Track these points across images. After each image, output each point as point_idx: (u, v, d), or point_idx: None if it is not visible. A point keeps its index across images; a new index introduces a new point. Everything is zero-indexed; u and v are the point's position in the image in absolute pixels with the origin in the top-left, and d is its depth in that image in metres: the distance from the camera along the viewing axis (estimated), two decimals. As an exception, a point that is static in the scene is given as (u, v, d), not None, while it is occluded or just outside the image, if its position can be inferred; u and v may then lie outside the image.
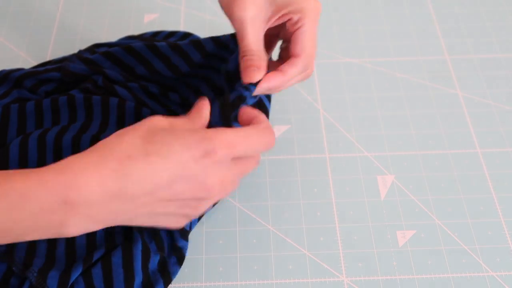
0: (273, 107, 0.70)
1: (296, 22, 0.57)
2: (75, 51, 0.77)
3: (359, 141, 0.68)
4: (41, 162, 0.62)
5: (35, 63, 0.76)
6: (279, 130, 0.69)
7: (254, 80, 0.55)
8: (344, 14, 0.82)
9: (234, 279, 0.57)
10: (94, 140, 0.62)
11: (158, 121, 0.47)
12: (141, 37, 0.72)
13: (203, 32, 0.79)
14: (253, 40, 0.56)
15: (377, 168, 0.65)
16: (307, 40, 0.57)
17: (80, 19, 0.81)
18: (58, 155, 0.62)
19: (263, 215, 0.61)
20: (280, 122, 0.69)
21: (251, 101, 0.56)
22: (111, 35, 0.79)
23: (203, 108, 0.51)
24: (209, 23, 0.81)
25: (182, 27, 0.80)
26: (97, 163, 0.44)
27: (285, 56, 0.59)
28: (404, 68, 0.75)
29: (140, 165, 0.44)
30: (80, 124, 0.63)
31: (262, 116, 0.52)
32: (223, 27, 0.80)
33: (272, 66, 0.58)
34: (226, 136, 0.46)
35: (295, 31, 0.57)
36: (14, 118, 0.64)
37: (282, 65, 0.56)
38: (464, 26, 0.81)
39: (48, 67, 0.68)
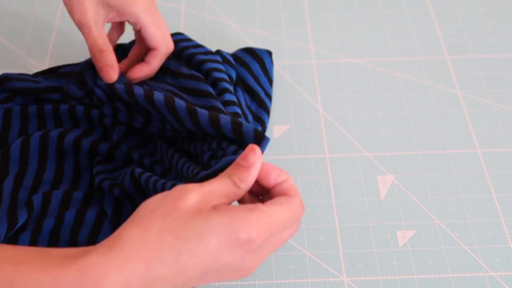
0: (273, 107, 0.71)
1: (135, 25, 0.63)
2: (75, 51, 0.77)
3: (359, 141, 0.68)
4: (42, 161, 0.62)
5: (35, 63, 0.76)
6: (279, 130, 0.69)
7: (114, 80, 0.60)
8: (344, 14, 0.82)
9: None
10: (94, 146, 0.62)
11: (190, 201, 0.43)
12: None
13: (203, 32, 0.79)
14: (97, 36, 0.61)
15: (377, 168, 0.65)
16: (152, 34, 0.63)
17: (80, 19, 0.81)
18: (60, 155, 0.62)
19: (263, 215, 0.61)
20: (280, 122, 0.69)
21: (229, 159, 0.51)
22: (111, 35, 0.79)
23: (253, 165, 0.46)
24: (209, 23, 0.81)
25: (182, 27, 0.80)
26: (122, 266, 0.40)
27: (139, 38, 0.66)
28: (404, 68, 0.75)
29: (170, 267, 0.41)
30: (83, 129, 0.63)
31: (291, 182, 0.48)
32: (223, 27, 0.80)
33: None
34: (263, 221, 0.43)
35: (140, 31, 0.64)
36: (16, 120, 0.64)
37: (147, 56, 0.64)
38: (464, 26, 0.81)
39: (50, 83, 0.67)
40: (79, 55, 0.76)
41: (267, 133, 0.68)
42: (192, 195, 0.43)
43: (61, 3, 0.83)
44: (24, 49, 0.78)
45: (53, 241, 0.57)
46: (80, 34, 0.79)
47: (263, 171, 0.47)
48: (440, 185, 0.64)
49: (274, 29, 0.80)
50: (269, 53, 0.73)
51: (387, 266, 0.58)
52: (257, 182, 0.47)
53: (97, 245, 0.41)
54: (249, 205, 0.44)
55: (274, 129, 0.69)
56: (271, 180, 0.47)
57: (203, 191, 0.44)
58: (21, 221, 0.56)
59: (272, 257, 0.58)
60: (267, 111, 0.68)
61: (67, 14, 0.81)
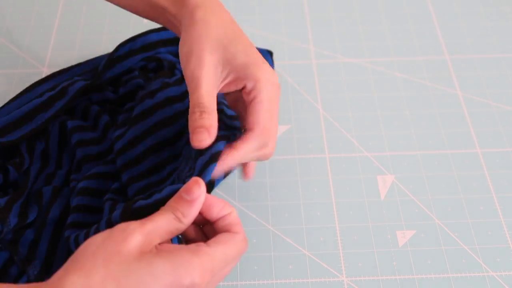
0: (273, 107, 0.71)
1: (251, 91, 0.52)
2: (75, 51, 0.77)
3: (359, 141, 0.68)
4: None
5: (35, 63, 0.76)
6: (279, 130, 0.69)
7: (203, 146, 0.49)
8: (344, 14, 0.82)
9: (234, 279, 0.57)
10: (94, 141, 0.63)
11: (132, 243, 0.42)
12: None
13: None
14: (205, 94, 0.50)
15: (377, 168, 0.65)
16: (262, 112, 0.51)
17: (80, 19, 0.81)
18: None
19: (263, 215, 0.61)
20: (280, 122, 0.69)
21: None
22: (111, 35, 0.79)
23: (196, 200, 0.45)
24: (209, 23, 0.81)
25: (182, 27, 0.80)
26: None
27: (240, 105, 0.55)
28: (404, 68, 0.75)
29: None
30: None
31: (234, 215, 0.47)
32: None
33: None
34: (207, 265, 0.43)
35: (250, 101, 0.52)
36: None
37: (236, 141, 0.51)
38: (464, 26, 0.81)
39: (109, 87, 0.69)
40: (79, 55, 0.76)
41: (267, 133, 0.68)
42: (135, 236, 0.42)
43: (61, 3, 0.83)
44: (24, 49, 0.78)
45: (54, 239, 0.57)
46: (80, 34, 0.79)
47: (206, 204, 0.46)
48: (440, 185, 0.64)
49: (274, 29, 0.80)
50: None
51: (387, 266, 0.58)
52: (200, 214, 0.46)
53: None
54: (192, 247, 0.43)
55: (274, 129, 0.69)
56: (214, 213, 0.47)
57: (146, 231, 0.43)
58: (31, 218, 0.58)
59: (272, 257, 0.58)
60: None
61: (67, 14, 0.81)
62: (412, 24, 0.81)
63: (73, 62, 0.74)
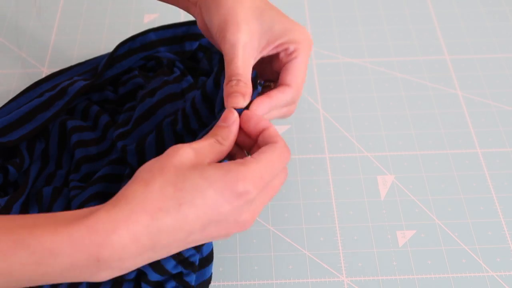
0: (273, 107, 0.71)
1: (292, 53, 0.55)
2: (75, 51, 0.77)
3: (359, 141, 0.68)
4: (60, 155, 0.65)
5: (35, 63, 0.76)
6: (279, 130, 0.69)
7: (240, 105, 0.51)
8: (344, 14, 0.82)
9: (234, 279, 0.57)
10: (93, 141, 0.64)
11: (184, 156, 0.45)
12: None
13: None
14: (242, 65, 0.52)
15: (377, 168, 0.65)
16: (299, 71, 0.55)
17: (80, 19, 0.81)
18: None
19: (263, 215, 0.61)
20: (280, 122, 0.69)
21: None
22: (111, 35, 0.79)
23: (233, 124, 0.49)
24: (209, 23, 0.81)
25: (182, 27, 0.80)
26: (128, 220, 0.42)
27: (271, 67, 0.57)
28: (404, 68, 0.75)
29: (173, 217, 0.43)
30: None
31: (272, 129, 0.50)
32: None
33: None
34: (255, 172, 0.45)
35: (289, 61, 0.55)
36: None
37: (271, 91, 0.54)
38: (464, 26, 0.81)
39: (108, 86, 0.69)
40: (79, 55, 0.76)
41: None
42: (186, 151, 0.45)
43: (61, 3, 0.83)
44: (24, 49, 0.78)
45: None
46: (80, 34, 0.79)
47: (242, 119, 0.50)
48: (440, 185, 0.64)
49: (274, 29, 0.80)
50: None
51: (387, 266, 0.58)
52: (242, 132, 0.50)
53: (103, 204, 0.43)
54: (239, 160, 0.46)
55: (274, 129, 0.69)
56: (251, 127, 0.50)
57: (194, 148, 0.46)
58: None
59: (272, 257, 0.58)
60: None
61: (67, 14, 0.81)
62: (412, 24, 0.81)
63: (73, 62, 0.74)
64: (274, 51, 0.55)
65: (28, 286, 0.43)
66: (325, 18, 0.82)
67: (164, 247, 0.44)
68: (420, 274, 0.57)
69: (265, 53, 0.55)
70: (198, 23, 0.58)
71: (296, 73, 0.55)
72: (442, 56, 0.77)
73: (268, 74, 0.58)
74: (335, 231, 0.60)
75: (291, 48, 0.55)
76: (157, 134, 0.61)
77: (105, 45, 0.78)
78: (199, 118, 0.60)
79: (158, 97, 0.64)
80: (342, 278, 0.57)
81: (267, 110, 0.53)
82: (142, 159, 0.61)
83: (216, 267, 0.58)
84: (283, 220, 0.61)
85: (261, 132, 0.50)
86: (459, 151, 0.67)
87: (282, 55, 0.55)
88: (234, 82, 0.52)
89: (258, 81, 0.56)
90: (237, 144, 0.51)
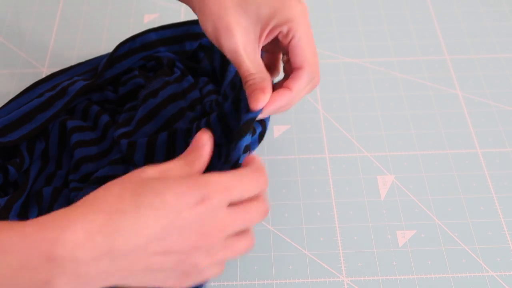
0: (273, 107, 0.70)
1: (287, 34, 0.53)
2: (75, 51, 0.77)
3: (359, 141, 0.68)
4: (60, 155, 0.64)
5: (35, 63, 0.76)
6: (279, 130, 0.69)
7: (262, 104, 0.52)
8: (344, 14, 0.82)
9: (234, 279, 0.57)
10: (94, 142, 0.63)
11: (147, 172, 0.44)
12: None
13: (203, 32, 0.79)
14: (250, 64, 0.52)
15: (377, 168, 0.65)
16: (304, 49, 0.53)
17: (80, 19, 0.81)
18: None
19: (263, 215, 0.61)
20: (280, 122, 0.69)
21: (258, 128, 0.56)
22: (111, 35, 0.79)
23: (203, 146, 0.47)
24: (209, 23, 0.81)
25: (182, 27, 0.80)
26: (84, 218, 0.40)
27: (289, 69, 0.56)
28: (404, 68, 0.75)
29: (130, 218, 0.41)
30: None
31: (252, 155, 0.48)
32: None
33: (279, 86, 0.54)
34: (220, 180, 0.43)
35: (289, 42, 0.53)
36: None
37: (287, 81, 0.53)
38: (464, 26, 0.81)
39: (108, 86, 0.69)
40: (79, 55, 0.76)
41: (267, 133, 0.68)
42: (150, 168, 0.44)
43: (61, 3, 0.83)
44: (24, 49, 0.78)
45: None
46: (80, 34, 0.79)
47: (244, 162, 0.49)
48: (440, 185, 0.64)
49: (274, 29, 0.80)
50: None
51: (387, 266, 0.58)
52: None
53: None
54: (205, 173, 0.45)
55: (274, 129, 0.69)
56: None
57: (160, 169, 0.45)
58: (31, 218, 0.57)
59: (272, 257, 0.58)
60: None
61: (67, 14, 0.81)
62: (412, 24, 0.81)
63: (73, 62, 0.74)
64: (271, 37, 0.54)
65: None
66: (325, 18, 0.82)
67: (122, 254, 0.41)
68: (420, 274, 0.57)
69: (264, 41, 0.54)
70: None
71: (302, 52, 0.53)
72: (442, 56, 0.77)
73: (284, 49, 0.57)
74: (335, 231, 0.60)
75: (285, 29, 0.53)
76: (169, 137, 0.61)
77: (105, 45, 0.78)
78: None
79: (161, 98, 0.64)
80: (342, 278, 0.57)
81: (287, 101, 0.53)
82: (150, 155, 0.61)
83: (216, 267, 0.58)
84: (283, 220, 0.61)
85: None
86: (459, 151, 0.67)
87: (280, 37, 0.54)
88: (251, 81, 0.52)
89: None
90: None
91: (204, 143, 0.47)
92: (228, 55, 0.53)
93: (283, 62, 0.57)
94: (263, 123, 0.67)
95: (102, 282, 0.41)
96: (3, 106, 0.65)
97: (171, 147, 0.61)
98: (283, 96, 0.52)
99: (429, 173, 0.65)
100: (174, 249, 0.42)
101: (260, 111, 0.53)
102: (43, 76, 0.74)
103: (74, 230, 0.40)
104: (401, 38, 0.79)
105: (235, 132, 0.54)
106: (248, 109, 0.53)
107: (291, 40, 0.53)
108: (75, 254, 0.39)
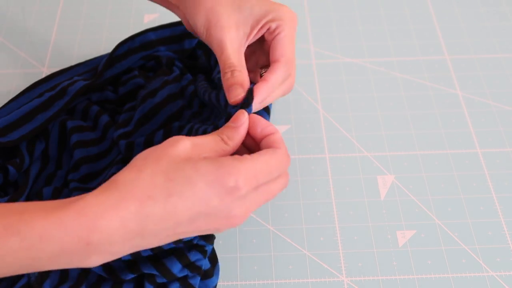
0: (273, 107, 0.70)
1: (274, 30, 0.55)
2: (75, 51, 0.77)
3: (359, 141, 0.68)
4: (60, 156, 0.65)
5: (35, 63, 0.76)
6: (279, 130, 0.69)
7: (239, 101, 0.53)
8: (344, 14, 0.82)
9: (234, 279, 0.57)
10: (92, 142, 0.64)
11: (180, 148, 0.46)
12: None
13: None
14: (232, 53, 0.54)
15: (377, 168, 0.65)
16: (286, 45, 0.55)
17: (80, 19, 0.81)
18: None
19: (263, 215, 0.61)
20: (280, 122, 0.69)
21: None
22: (111, 35, 0.79)
23: (242, 125, 0.49)
24: (209, 23, 0.81)
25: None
26: (117, 205, 0.43)
27: (257, 50, 0.58)
28: (404, 68, 0.75)
29: (161, 206, 0.43)
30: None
31: (278, 135, 0.50)
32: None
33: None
34: (249, 169, 0.45)
35: (273, 38, 0.55)
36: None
37: (264, 74, 0.55)
38: (464, 26, 0.81)
39: (108, 86, 0.69)
40: (79, 55, 0.77)
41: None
42: (182, 143, 0.46)
43: (61, 3, 0.83)
44: (24, 49, 0.78)
45: None
46: (80, 34, 0.79)
47: (251, 122, 0.50)
48: (440, 185, 0.64)
49: (274, 29, 0.80)
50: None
51: (387, 266, 0.58)
52: (248, 134, 0.51)
53: (94, 190, 0.44)
54: (236, 156, 0.46)
55: (274, 129, 0.69)
56: (258, 131, 0.50)
57: (193, 142, 0.46)
58: None
59: (272, 257, 0.58)
60: (267, 110, 0.68)
61: (67, 14, 0.81)
62: (412, 24, 0.81)
63: (73, 62, 0.74)
64: (259, 34, 0.56)
65: (19, 272, 0.44)
66: (325, 18, 0.82)
67: (153, 234, 0.44)
68: (420, 274, 0.57)
69: (252, 38, 0.56)
70: (185, 24, 0.59)
71: (282, 47, 0.55)
72: (442, 56, 0.77)
73: (264, 60, 0.59)
74: (335, 231, 0.60)
75: (273, 26, 0.55)
76: (165, 135, 0.61)
77: (105, 45, 0.78)
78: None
79: (160, 98, 0.64)
80: (342, 278, 0.57)
81: (266, 94, 0.54)
82: None
83: (216, 267, 0.58)
84: (283, 220, 0.61)
85: (266, 136, 0.50)
86: (459, 151, 0.67)
87: (266, 35, 0.56)
88: (229, 74, 0.53)
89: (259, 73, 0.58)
90: (243, 145, 0.51)
91: (242, 122, 0.50)
92: (215, 45, 0.54)
93: (260, 75, 0.58)
94: (266, 107, 0.67)
95: (132, 251, 0.45)
96: (3, 106, 0.65)
97: None
98: (262, 88, 0.53)
99: (429, 173, 0.65)
100: (201, 229, 0.46)
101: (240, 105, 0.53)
102: (43, 76, 0.74)
103: (110, 218, 0.42)
104: (401, 38, 0.79)
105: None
106: (226, 103, 0.54)
107: (276, 35, 0.55)
108: (110, 238, 0.43)
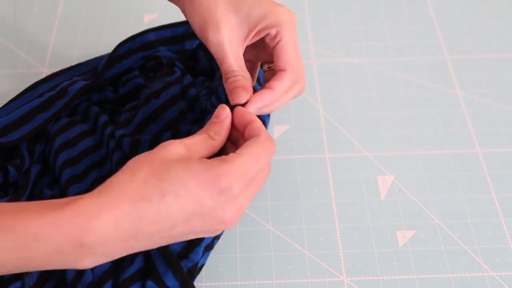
0: (273, 107, 0.71)
1: (275, 36, 0.55)
2: (75, 51, 0.77)
3: (359, 141, 0.68)
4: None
5: (35, 63, 0.76)
6: (279, 130, 0.69)
7: (242, 101, 0.53)
8: (344, 14, 0.82)
9: (234, 279, 0.57)
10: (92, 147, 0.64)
11: (173, 150, 0.46)
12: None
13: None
14: (233, 61, 0.54)
15: (377, 168, 0.65)
16: (289, 53, 0.55)
17: (80, 19, 0.81)
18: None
19: (263, 215, 0.61)
20: (280, 122, 0.69)
21: None
22: (111, 35, 0.79)
23: (225, 120, 0.51)
24: (209, 23, 0.81)
25: (182, 27, 0.80)
26: (111, 206, 0.43)
27: (269, 77, 0.56)
28: (404, 68, 0.75)
29: (155, 206, 0.44)
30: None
31: (257, 123, 0.50)
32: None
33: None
34: (239, 167, 0.46)
35: (275, 45, 0.55)
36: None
37: (270, 81, 0.54)
38: (464, 26, 0.81)
39: (109, 87, 0.69)
40: (79, 55, 0.77)
41: (267, 133, 0.68)
42: (174, 146, 0.47)
43: (61, 3, 0.83)
44: (24, 49, 0.78)
45: None
46: (80, 34, 0.79)
47: (234, 115, 0.52)
48: (440, 185, 0.64)
49: (274, 29, 0.80)
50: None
51: (387, 266, 0.58)
52: (232, 126, 0.52)
53: (89, 192, 0.44)
54: (223, 157, 0.47)
55: (274, 129, 0.69)
56: (237, 120, 0.52)
57: (184, 144, 0.47)
58: None
59: (272, 257, 0.58)
60: None
61: (67, 14, 0.81)
62: (412, 24, 0.81)
63: (73, 62, 0.74)
64: (257, 38, 0.55)
65: (13, 272, 0.44)
66: (325, 18, 0.82)
67: (147, 236, 0.44)
68: (420, 274, 0.57)
69: (249, 41, 0.55)
70: (186, 18, 0.58)
71: (286, 56, 0.55)
72: (442, 56, 0.77)
73: (265, 57, 0.58)
74: (335, 231, 0.60)
75: (273, 32, 0.55)
76: (173, 137, 0.61)
77: (105, 45, 0.78)
78: None
79: (163, 100, 0.64)
80: (342, 278, 0.57)
81: (268, 101, 0.54)
82: None
83: (216, 267, 0.58)
84: (283, 220, 0.61)
85: (247, 125, 0.51)
86: (459, 151, 0.67)
87: (267, 40, 0.55)
88: (232, 79, 0.53)
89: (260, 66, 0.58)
90: (229, 139, 0.52)
91: (224, 117, 0.51)
92: (212, 49, 0.54)
93: (264, 71, 0.58)
94: (263, 123, 0.67)
95: (126, 253, 0.45)
96: (3, 106, 0.65)
97: None
98: (265, 95, 0.53)
99: (429, 173, 0.65)
100: (196, 230, 0.46)
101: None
102: (43, 76, 0.74)
103: (103, 218, 0.43)
104: (401, 38, 0.79)
105: None
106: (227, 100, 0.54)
107: (277, 43, 0.55)
108: (104, 239, 0.43)
